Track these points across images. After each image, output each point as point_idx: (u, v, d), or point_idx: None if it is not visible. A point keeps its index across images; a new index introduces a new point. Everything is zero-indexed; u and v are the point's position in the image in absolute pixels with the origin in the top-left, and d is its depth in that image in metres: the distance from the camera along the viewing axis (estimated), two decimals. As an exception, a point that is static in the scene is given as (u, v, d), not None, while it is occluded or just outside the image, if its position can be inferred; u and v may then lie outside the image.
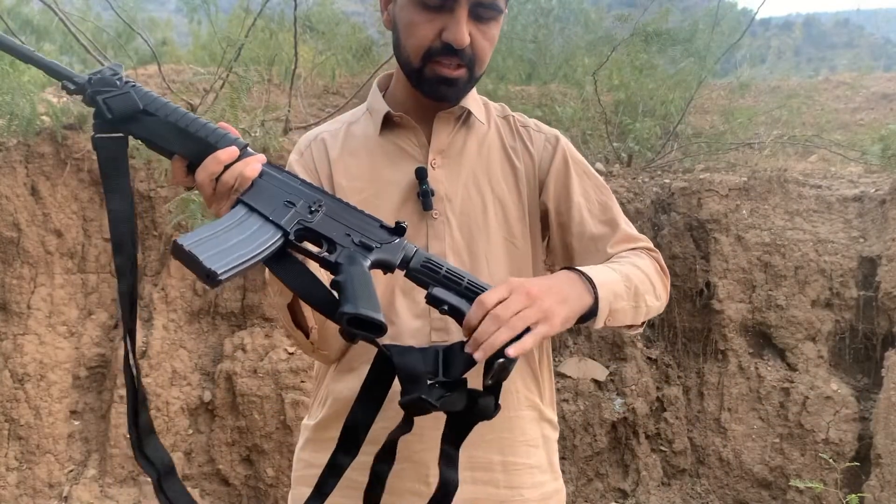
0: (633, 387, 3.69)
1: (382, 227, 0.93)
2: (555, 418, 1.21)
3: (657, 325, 3.95)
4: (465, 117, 1.14)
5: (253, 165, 0.87)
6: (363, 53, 4.96)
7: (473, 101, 1.15)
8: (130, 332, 0.92)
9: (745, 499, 3.71)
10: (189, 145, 0.87)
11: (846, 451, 3.53)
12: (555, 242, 1.16)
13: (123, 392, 3.28)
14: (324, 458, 1.08)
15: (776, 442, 3.68)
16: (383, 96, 1.16)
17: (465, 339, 0.90)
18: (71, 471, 3.27)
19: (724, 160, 4.57)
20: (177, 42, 6.48)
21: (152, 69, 4.38)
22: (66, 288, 3.33)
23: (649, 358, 3.87)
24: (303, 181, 0.92)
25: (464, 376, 0.90)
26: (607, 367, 3.76)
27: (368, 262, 0.89)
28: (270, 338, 3.40)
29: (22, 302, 3.22)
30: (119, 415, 3.26)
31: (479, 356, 0.86)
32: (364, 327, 0.83)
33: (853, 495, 3.09)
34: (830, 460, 3.42)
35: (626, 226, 1.14)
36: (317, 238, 0.89)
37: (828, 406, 3.59)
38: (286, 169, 0.94)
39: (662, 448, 3.79)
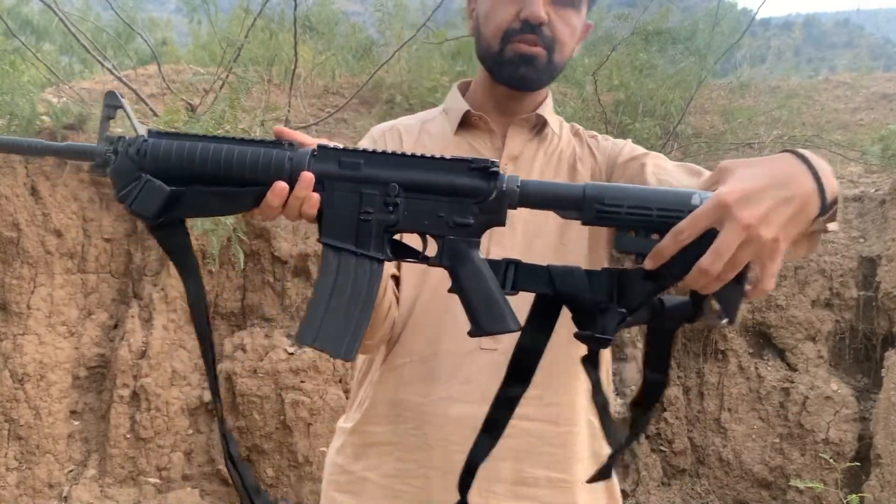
0: (633, 387, 3.69)
1: (472, 169, 0.79)
2: (591, 428, 1.14)
3: (657, 325, 3.94)
4: (541, 128, 1.15)
5: (311, 201, 0.77)
6: (363, 53, 4.96)
7: (550, 112, 1.17)
8: (221, 420, 0.91)
9: (745, 499, 3.71)
10: (236, 202, 0.79)
11: (846, 451, 3.53)
12: None
13: (123, 392, 3.28)
14: (361, 464, 1.08)
15: (776, 442, 3.68)
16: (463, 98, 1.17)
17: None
18: (71, 471, 3.27)
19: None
20: (177, 42, 6.48)
21: (152, 69, 4.38)
22: (66, 288, 3.33)
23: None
24: (363, 157, 0.79)
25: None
26: (607, 367, 3.76)
27: (475, 247, 0.80)
28: (270, 338, 3.40)
29: (22, 302, 3.21)
30: (119, 415, 3.26)
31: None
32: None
33: (853, 495, 3.09)
34: (830, 460, 3.42)
35: None
36: (410, 232, 0.81)
37: (828, 406, 3.59)
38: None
39: (662, 448, 3.78)
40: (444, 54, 4.78)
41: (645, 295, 0.77)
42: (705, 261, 0.70)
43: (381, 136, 1.16)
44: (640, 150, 1.13)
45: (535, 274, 0.81)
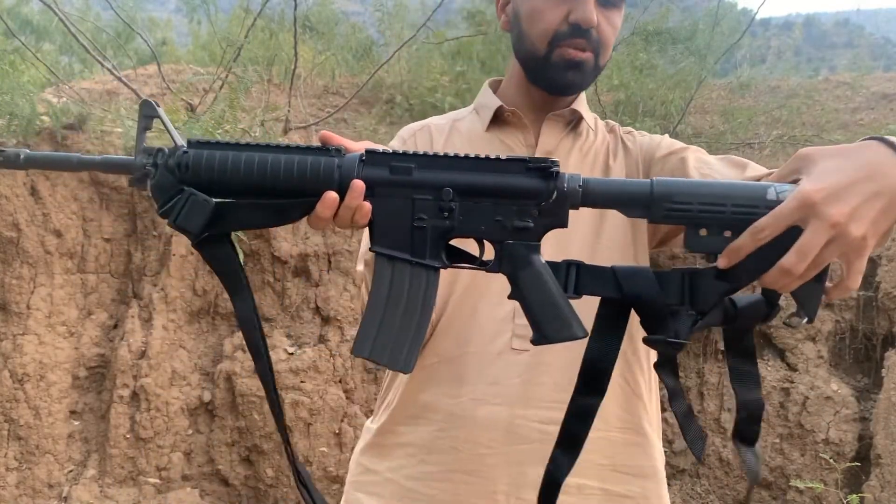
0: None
1: (530, 169, 0.75)
2: (659, 443, 1.10)
3: (657, 325, 3.94)
4: (576, 123, 1.11)
5: (362, 211, 0.74)
6: (363, 53, 4.95)
7: (584, 107, 1.13)
8: (287, 444, 0.84)
9: (746, 499, 3.70)
10: (284, 214, 0.76)
11: (846, 451, 3.53)
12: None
13: (123, 392, 3.27)
14: (386, 465, 1.05)
15: (776, 442, 3.67)
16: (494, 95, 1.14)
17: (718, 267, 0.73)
18: (71, 471, 3.27)
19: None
20: (176, 42, 6.48)
21: (152, 69, 4.38)
22: (65, 288, 3.33)
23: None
24: (415, 160, 0.75)
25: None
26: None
27: (536, 251, 0.76)
28: (270, 338, 3.40)
29: (21, 302, 3.21)
30: (119, 415, 3.25)
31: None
32: None
33: (853, 495, 3.09)
34: (830, 460, 3.42)
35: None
36: (466, 238, 0.78)
37: (828, 406, 3.59)
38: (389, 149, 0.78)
39: (662, 448, 3.79)
40: (444, 54, 4.78)
41: (718, 295, 0.73)
42: (788, 260, 0.67)
43: (412, 136, 1.13)
44: (679, 144, 1.09)
45: (599, 276, 0.77)
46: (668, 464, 3.80)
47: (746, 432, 0.79)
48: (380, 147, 0.77)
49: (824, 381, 3.65)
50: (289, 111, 3.97)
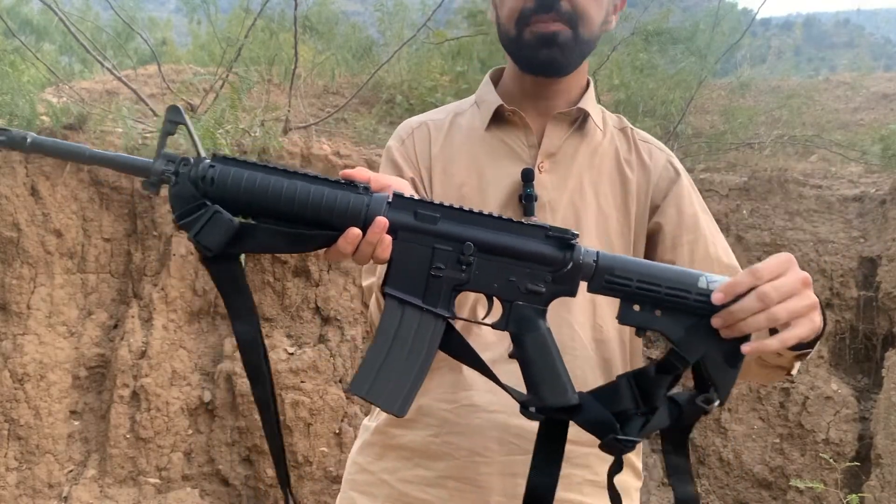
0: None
1: (549, 237, 0.78)
2: (639, 464, 1.08)
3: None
4: (582, 121, 1.07)
5: (384, 244, 0.75)
6: (363, 53, 4.95)
7: (592, 104, 1.08)
8: (284, 478, 0.86)
9: (745, 499, 3.70)
10: (304, 243, 0.76)
11: (846, 451, 3.53)
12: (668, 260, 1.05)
13: (123, 392, 3.27)
14: (381, 465, 1.04)
15: (776, 442, 3.67)
16: (495, 89, 1.10)
17: (656, 361, 0.79)
18: (71, 471, 3.27)
19: (724, 160, 4.57)
20: (176, 42, 6.48)
21: (152, 69, 4.38)
22: (66, 288, 3.33)
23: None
24: (440, 210, 0.77)
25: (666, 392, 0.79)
26: (607, 367, 3.75)
27: (542, 316, 0.79)
28: (270, 338, 3.40)
29: (22, 302, 3.21)
30: (119, 415, 3.25)
31: (727, 333, 0.76)
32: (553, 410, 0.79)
33: (853, 495, 3.09)
34: (830, 460, 3.42)
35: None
36: (477, 292, 0.80)
37: (828, 406, 3.59)
38: (413, 196, 0.79)
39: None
40: (444, 54, 4.78)
41: (664, 387, 0.78)
42: (715, 321, 0.75)
43: (410, 135, 1.09)
44: (691, 181, 1.07)
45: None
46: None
47: None
48: (407, 192, 0.79)
49: (824, 381, 3.65)
50: (289, 111, 3.97)
